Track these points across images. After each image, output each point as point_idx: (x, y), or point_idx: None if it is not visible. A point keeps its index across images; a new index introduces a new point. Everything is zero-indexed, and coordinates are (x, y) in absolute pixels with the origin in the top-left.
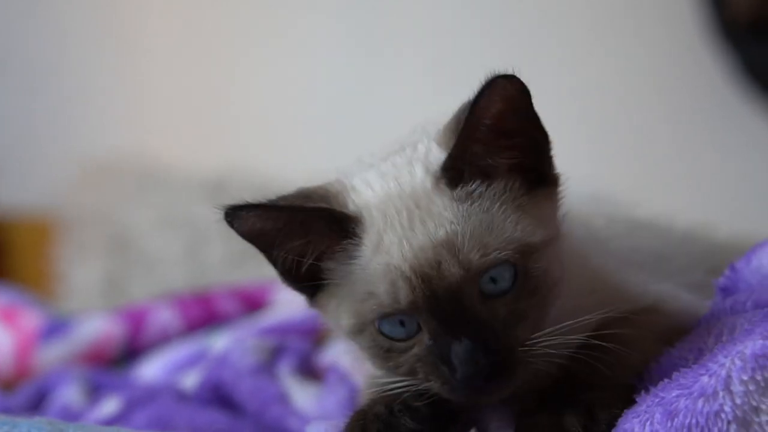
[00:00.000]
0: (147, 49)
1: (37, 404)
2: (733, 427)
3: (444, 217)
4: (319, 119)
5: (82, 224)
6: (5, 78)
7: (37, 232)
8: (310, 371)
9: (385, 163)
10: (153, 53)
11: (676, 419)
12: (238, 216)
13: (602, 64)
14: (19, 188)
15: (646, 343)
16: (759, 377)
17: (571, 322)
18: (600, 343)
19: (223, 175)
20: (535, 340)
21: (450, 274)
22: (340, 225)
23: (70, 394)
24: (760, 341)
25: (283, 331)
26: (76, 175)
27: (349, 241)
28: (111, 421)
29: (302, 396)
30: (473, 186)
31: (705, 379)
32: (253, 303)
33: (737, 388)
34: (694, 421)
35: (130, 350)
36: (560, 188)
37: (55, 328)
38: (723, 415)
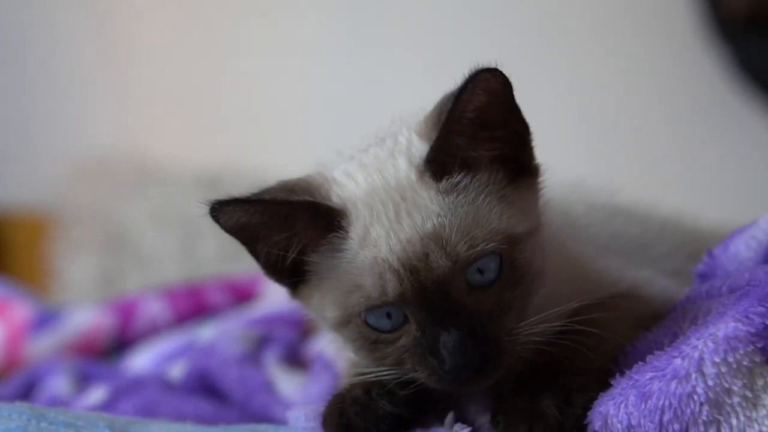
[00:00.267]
0: (142, 46)
1: (26, 394)
2: (705, 408)
3: (430, 209)
4: (314, 116)
5: (77, 221)
6: (1, 77)
7: (33, 228)
8: (296, 361)
9: (366, 155)
10: (148, 51)
11: (649, 401)
12: (224, 211)
13: (599, 62)
14: (15, 185)
15: (622, 327)
16: (731, 359)
17: (556, 309)
18: (576, 327)
19: (218, 171)
20: (519, 329)
21: (438, 266)
22: (324, 218)
23: (58, 384)
24: (732, 324)
25: (271, 322)
26: (71, 173)
27: (335, 234)
28: (97, 410)
29: (288, 385)
30: (458, 178)
31: (678, 361)
32: (242, 295)
33: (709, 370)
34: (667, 402)
35: (120, 342)
36: (541, 178)
37: (45, 319)
38: (695, 397)
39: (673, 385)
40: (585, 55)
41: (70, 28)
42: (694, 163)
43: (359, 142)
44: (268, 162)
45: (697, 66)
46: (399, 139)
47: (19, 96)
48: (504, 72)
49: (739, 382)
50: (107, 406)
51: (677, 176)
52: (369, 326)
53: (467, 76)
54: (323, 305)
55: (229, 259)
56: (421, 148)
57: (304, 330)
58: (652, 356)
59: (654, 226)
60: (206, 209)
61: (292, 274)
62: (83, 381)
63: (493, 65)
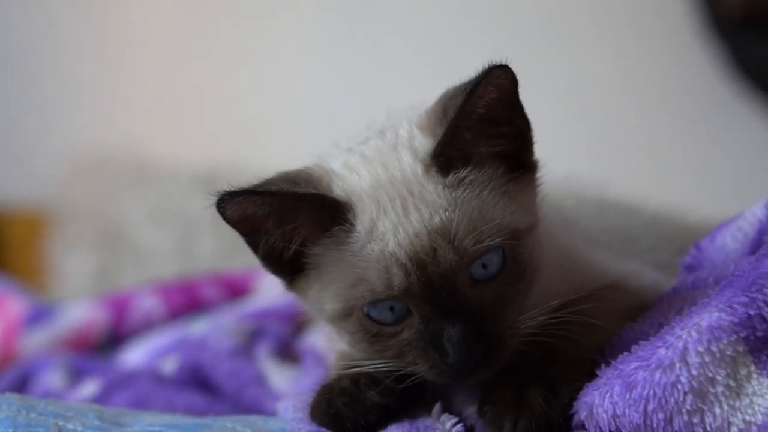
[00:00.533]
0: (139, 43)
1: (20, 389)
2: (689, 397)
3: (438, 204)
4: (312, 114)
5: (75, 218)
6: None
7: (30, 226)
8: (288, 355)
9: (367, 148)
10: (145, 48)
11: (634, 391)
12: (232, 202)
13: (595, 60)
14: (12, 183)
15: (610, 319)
16: (714, 349)
17: (552, 303)
18: (565, 318)
19: (215, 168)
20: (519, 323)
21: (445, 261)
22: (328, 211)
23: (52, 378)
24: (716, 313)
25: (265, 317)
26: (68, 170)
27: (339, 227)
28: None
29: (280, 378)
30: (463, 173)
31: (662, 351)
32: (236, 290)
33: (693, 359)
34: (651, 392)
35: (114, 337)
36: (539, 174)
37: (40, 314)
38: (679, 386)
39: (657, 374)
40: (581, 53)
41: (67, 26)
42: (690, 160)
43: (355, 135)
44: (266, 159)
45: (694, 64)
46: (400, 132)
47: (15, 94)
48: (512, 69)
49: (723, 372)
50: (100, 399)
51: (674, 173)
52: (371, 319)
53: (480, 71)
54: (322, 297)
55: (226, 256)
56: (424, 143)
57: (297, 324)
58: (637, 346)
59: (643, 219)
60: (212, 201)
61: (291, 267)
62: (77, 375)
63: (503, 62)
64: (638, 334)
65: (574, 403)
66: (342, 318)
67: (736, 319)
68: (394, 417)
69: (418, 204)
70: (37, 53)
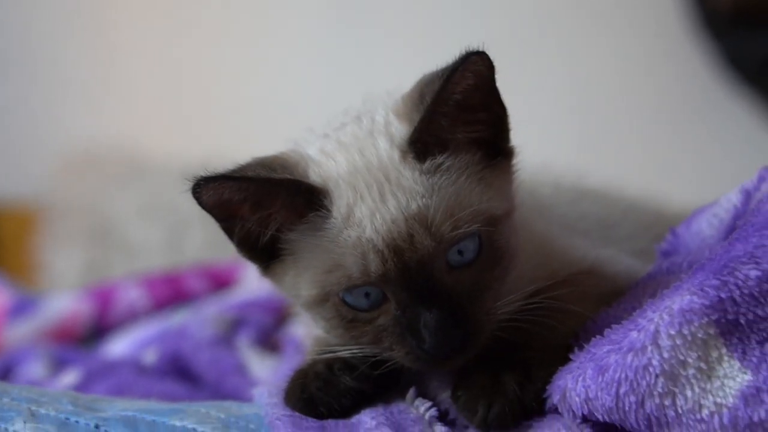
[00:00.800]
0: (129, 40)
1: (2, 379)
2: (660, 380)
3: (415, 190)
4: (302, 109)
5: (64, 214)
6: None
7: (20, 221)
8: (270, 344)
9: (343, 134)
10: (135, 44)
11: (606, 374)
12: (208, 187)
13: (584, 56)
14: (1, 179)
15: (585, 304)
16: (686, 331)
17: (528, 289)
18: (540, 303)
19: (205, 163)
20: (495, 308)
21: (422, 247)
22: (305, 197)
23: (35, 369)
24: (688, 296)
25: (248, 308)
26: (58, 165)
27: (315, 213)
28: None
29: (260, 367)
30: (440, 159)
31: (634, 334)
32: (220, 282)
33: (665, 342)
34: (623, 375)
35: (98, 328)
36: (516, 160)
37: (23, 306)
38: (651, 369)
39: (629, 357)
40: (570, 51)
41: (58, 22)
42: (681, 156)
43: (331, 120)
44: (255, 154)
45: (685, 60)
46: (376, 118)
47: (5, 90)
48: (489, 55)
49: (694, 354)
50: (80, 388)
51: (664, 169)
52: (347, 305)
53: (458, 57)
54: (298, 283)
55: (215, 250)
56: (401, 129)
57: (281, 315)
58: (610, 330)
59: (620, 207)
60: (188, 186)
61: (267, 253)
62: (59, 366)
63: (480, 48)
64: (612, 318)
65: (548, 388)
66: (318, 304)
67: (707, 302)
68: (368, 402)
69: (395, 190)
70: (27, 49)
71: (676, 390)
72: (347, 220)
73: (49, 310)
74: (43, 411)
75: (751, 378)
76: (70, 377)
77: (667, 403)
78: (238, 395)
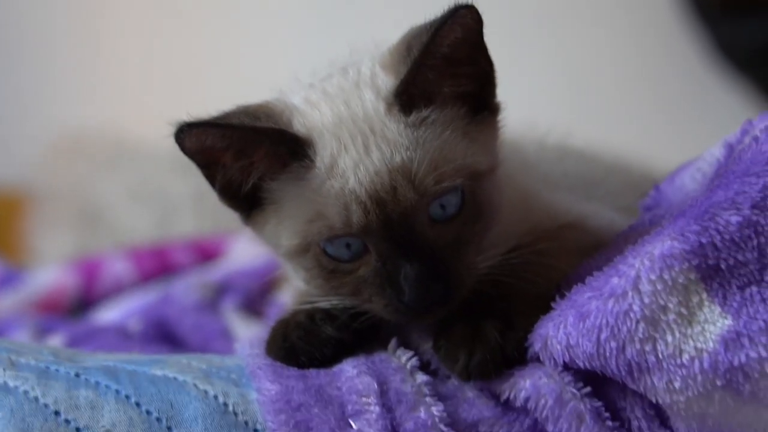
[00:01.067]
0: (118, 23)
1: None
2: (641, 325)
3: (399, 142)
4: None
5: (53, 198)
6: None
7: (8, 206)
8: (255, 310)
9: (329, 85)
10: (123, 28)
11: (587, 320)
12: (191, 133)
13: (575, 44)
14: None
15: (567, 257)
16: (666, 277)
17: (508, 243)
18: (522, 258)
19: None
20: (476, 263)
21: (405, 200)
22: (288, 146)
23: (20, 337)
24: (669, 242)
25: (234, 275)
26: (46, 150)
27: (298, 162)
28: None
29: (246, 332)
30: (426, 112)
31: (615, 280)
32: (207, 254)
33: (645, 287)
34: (604, 321)
35: (85, 300)
36: (501, 117)
37: (9, 278)
38: (632, 315)
39: (610, 303)
40: (560, 38)
41: (44, 7)
42: (672, 144)
43: (316, 71)
44: None
45: (675, 47)
46: (362, 70)
47: None
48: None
49: (675, 300)
50: None
51: (656, 157)
52: (327, 255)
53: (446, 10)
54: (279, 232)
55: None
56: (387, 81)
57: (268, 285)
58: (591, 277)
59: (604, 165)
60: (171, 131)
61: (249, 201)
62: (44, 333)
63: (469, 2)
64: (594, 269)
65: (529, 336)
66: (298, 254)
67: (688, 247)
68: (350, 353)
69: (380, 142)
70: (13, 34)
71: (657, 335)
72: (330, 170)
73: (36, 282)
74: (23, 360)
75: (732, 323)
76: (54, 341)
77: (647, 348)
78: None
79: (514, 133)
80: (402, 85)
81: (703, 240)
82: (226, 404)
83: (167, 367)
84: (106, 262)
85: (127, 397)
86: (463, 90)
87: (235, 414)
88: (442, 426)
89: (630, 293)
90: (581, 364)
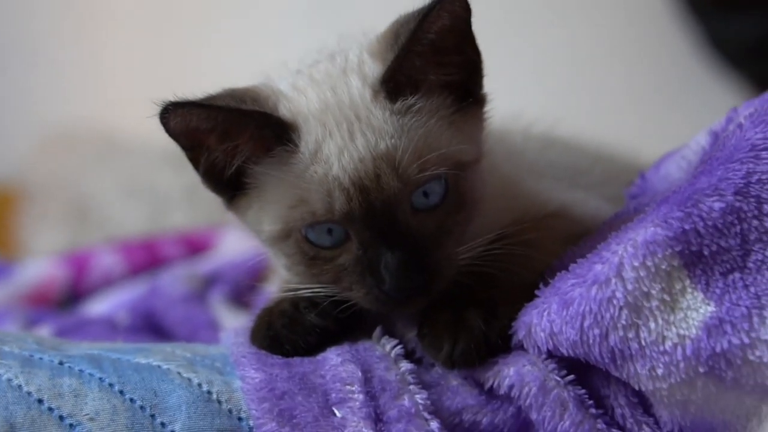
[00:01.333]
0: (108, 18)
1: None
2: (624, 312)
3: (384, 130)
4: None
5: (43, 193)
6: None
7: None
8: (243, 302)
9: (316, 71)
10: (114, 22)
11: (571, 308)
12: (176, 113)
13: (568, 38)
14: None
15: (551, 245)
16: (650, 263)
17: (491, 235)
18: (507, 245)
19: None
20: (457, 253)
21: (388, 188)
22: (273, 130)
23: (9, 329)
24: (652, 228)
25: (223, 267)
26: (37, 145)
27: (282, 147)
28: None
29: (233, 323)
30: (412, 100)
31: (598, 267)
32: (196, 247)
33: (629, 274)
34: (587, 308)
35: (75, 293)
36: (487, 107)
37: None
38: (615, 301)
39: (593, 290)
40: (553, 29)
41: (32, 1)
42: (665, 139)
43: (304, 57)
44: None
45: (667, 41)
46: (350, 57)
47: None
48: None
49: (658, 286)
50: None
51: (649, 151)
52: (309, 242)
53: None
54: (261, 217)
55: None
56: (374, 68)
57: (256, 277)
58: (574, 264)
59: (590, 154)
60: (156, 110)
61: (232, 185)
62: (33, 325)
63: None
64: (578, 257)
65: (513, 324)
66: (280, 239)
67: (671, 234)
68: (335, 341)
69: (365, 129)
70: (2, 31)
71: (640, 322)
72: (314, 156)
73: (25, 274)
74: (6, 348)
75: (714, 309)
76: (42, 333)
77: (630, 335)
78: None
79: (499, 122)
80: (389, 72)
81: (686, 226)
82: (210, 392)
83: (151, 355)
84: (96, 255)
85: (111, 385)
86: (450, 79)
87: (219, 402)
88: (425, 414)
89: (613, 280)
90: (565, 352)
